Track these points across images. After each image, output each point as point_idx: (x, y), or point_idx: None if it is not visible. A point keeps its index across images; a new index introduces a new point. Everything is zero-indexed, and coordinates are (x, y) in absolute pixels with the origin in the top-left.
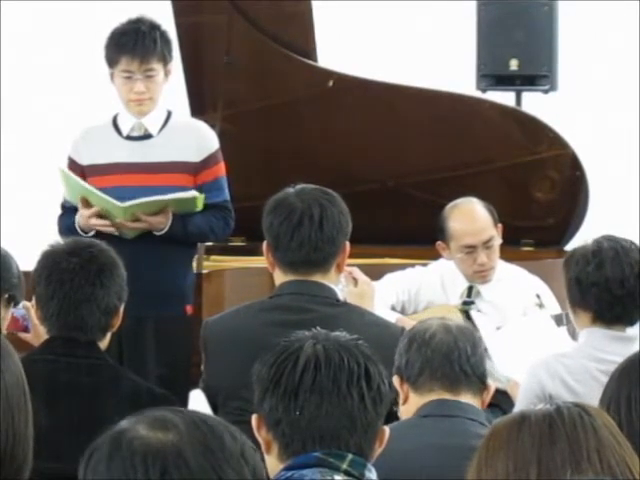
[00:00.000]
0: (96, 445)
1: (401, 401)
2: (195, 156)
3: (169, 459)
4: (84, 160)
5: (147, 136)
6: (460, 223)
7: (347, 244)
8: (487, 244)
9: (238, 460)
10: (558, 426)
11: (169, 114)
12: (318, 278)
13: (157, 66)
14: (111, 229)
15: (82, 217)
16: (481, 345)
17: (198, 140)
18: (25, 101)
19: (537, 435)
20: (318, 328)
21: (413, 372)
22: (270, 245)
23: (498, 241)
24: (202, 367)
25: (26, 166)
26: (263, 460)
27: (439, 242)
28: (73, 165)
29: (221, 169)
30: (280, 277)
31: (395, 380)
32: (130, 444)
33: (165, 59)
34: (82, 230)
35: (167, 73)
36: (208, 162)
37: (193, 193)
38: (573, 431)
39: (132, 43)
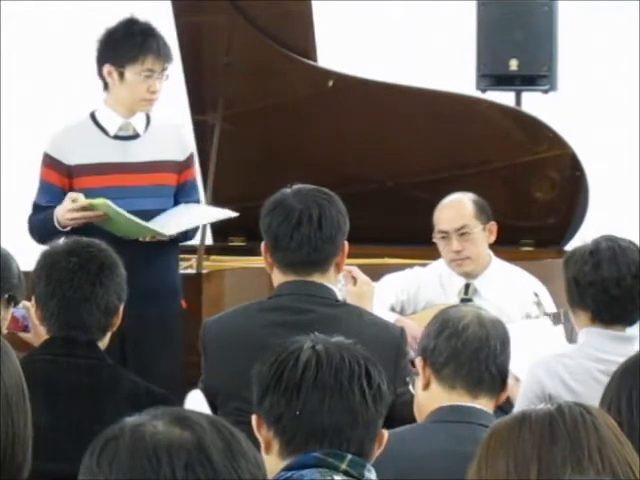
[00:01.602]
0: (107, 438)
1: (422, 385)
2: (180, 155)
3: (193, 454)
4: (70, 160)
5: (135, 136)
6: (439, 210)
7: (346, 244)
8: (460, 231)
9: (255, 462)
10: (559, 425)
11: (148, 114)
12: (317, 278)
13: (169, 68)
14: (95, 219)
15: (64, 211)
16: (510, 342)
17: (180, 138)
18: (26, 101)
19: (538, 434)
20: (316, 331)
21: (439, 360)
22: (269, 246)
23: (478, 233)
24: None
25: (26, 166)
26: None
27: (434, 232)
28: (56, 164)
29: (194, 171)
30: (279, 277)
31: (418, 361)
32: (153, 437)
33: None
34: (60, 224)
35: None
36: (189, 161)
37: (228, 213)
38: (574, 430)
39: (156, 44)
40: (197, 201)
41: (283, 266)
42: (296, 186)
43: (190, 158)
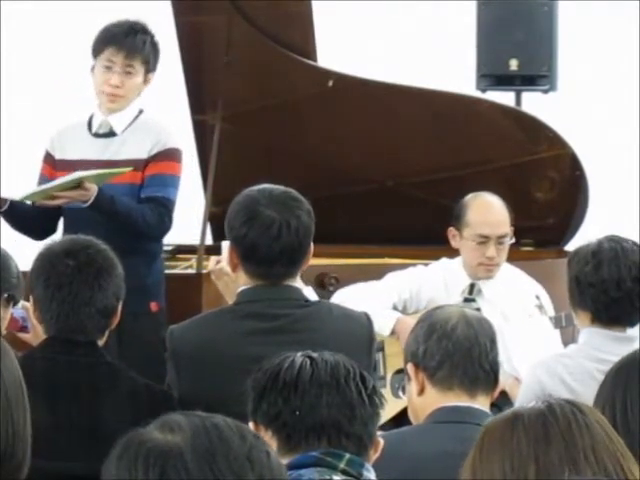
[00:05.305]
0: (115, 446)
1: (416, 390)
2: (145, 153)
3: (169, 461)
4: (57, 154)
5: (112, 134)
6: (480, 212)
7: (311, 244)
8: (500, 239)
9: (242, 464)
10: (552, 425)
11: (139, 113)
12: (288, 282)
13: (139, 66)
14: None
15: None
16: (497, 338)
17: (156, 137)
18: (26, 100)
19: (532, 434)
20: (294, 333)
21: (432, 364)
22: (240, 253)
23: (509, 241)
24: (168, 378)
25: (26, 166)
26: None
27: (451, 228)
28: (49, 157)
29: (170, 167)
30: (246, 280)
31: (409, 367)
32: (139, 445)
33: (149, 63)
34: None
35: (147, 81)
36: (156, 157)
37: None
38: (568, 430)
39: (123, 35)
40: (161, 196)
41: (256, 276)
42: (263, 189)
43: (157, 155)
